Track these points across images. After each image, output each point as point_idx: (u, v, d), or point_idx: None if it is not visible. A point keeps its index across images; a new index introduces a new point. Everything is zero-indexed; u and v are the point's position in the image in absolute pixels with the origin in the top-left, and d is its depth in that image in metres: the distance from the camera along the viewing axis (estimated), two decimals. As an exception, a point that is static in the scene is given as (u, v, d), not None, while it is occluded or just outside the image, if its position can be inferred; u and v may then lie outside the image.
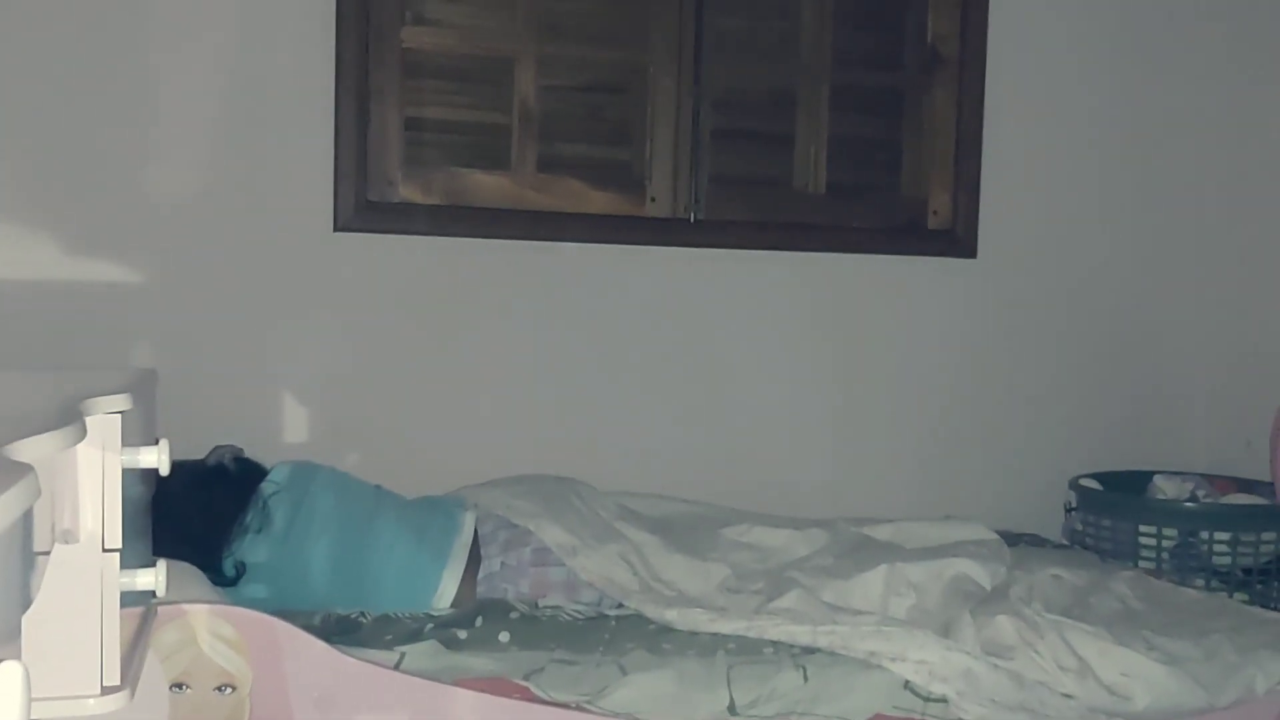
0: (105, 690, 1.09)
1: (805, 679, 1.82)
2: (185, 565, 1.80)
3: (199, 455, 2.19)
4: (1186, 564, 2.61)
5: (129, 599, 1.17)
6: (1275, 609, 2.40)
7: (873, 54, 2.99)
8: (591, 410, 2.74)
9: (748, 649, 1.87)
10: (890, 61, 3.00)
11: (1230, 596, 2.52)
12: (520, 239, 2.67)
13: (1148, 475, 2.90)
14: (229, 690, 1.64)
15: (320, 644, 1.71)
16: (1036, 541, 2.71)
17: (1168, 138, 3.08)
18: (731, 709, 1.78)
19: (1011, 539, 2.53)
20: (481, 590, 2.12)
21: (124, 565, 1.12)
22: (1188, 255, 3.11)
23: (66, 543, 1.05)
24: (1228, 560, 2.59)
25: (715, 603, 2.11)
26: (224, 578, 2.00)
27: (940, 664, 1.84)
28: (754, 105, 2.89)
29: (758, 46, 2.88)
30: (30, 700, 0.60)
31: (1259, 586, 2.61)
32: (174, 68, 2.48)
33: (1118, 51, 3.04)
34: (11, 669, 0.58)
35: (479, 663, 1.81)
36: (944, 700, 1.81)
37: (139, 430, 1.20)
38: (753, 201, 2.86)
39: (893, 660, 1.84)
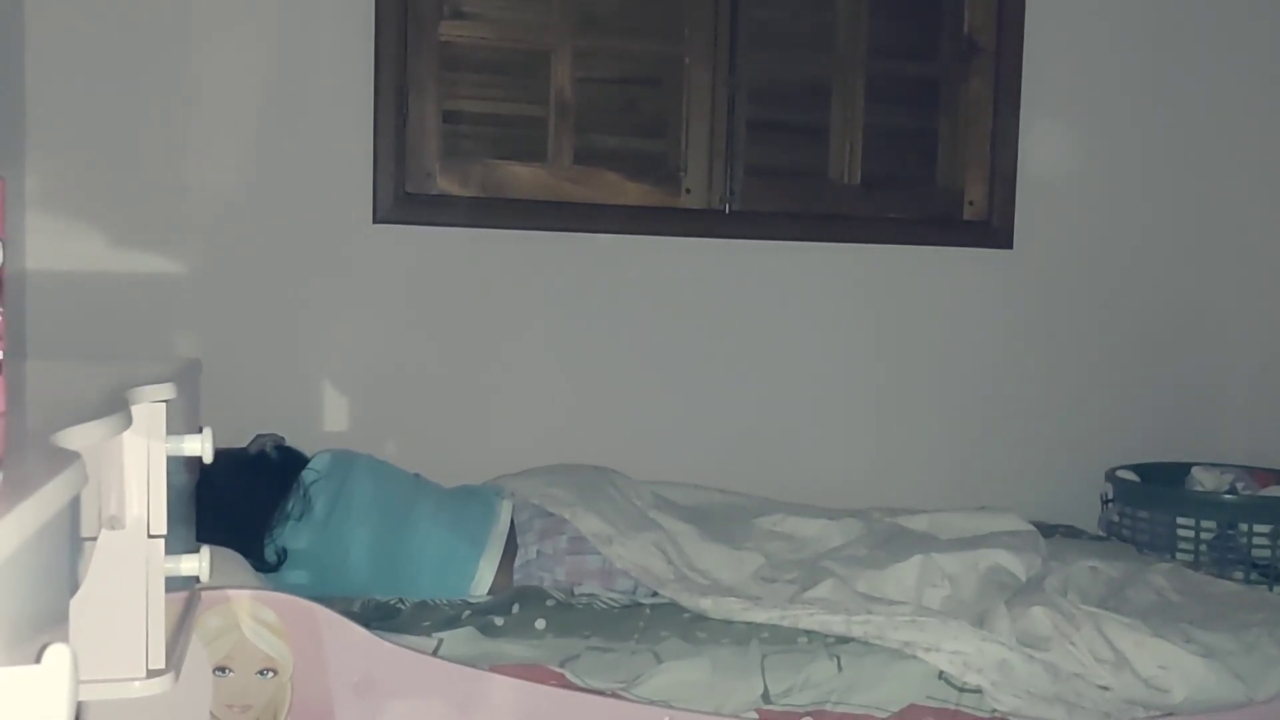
0: (150, 673, 1.11)
1: (839, 668, 1.82)
2: (228, 551, 1.83)
3: (241, 443, 2.22)
4: (1225, 557, 2.58)
5: (173, 584, 1.19)
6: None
7: (908, 44, 2.98)
8: (627, 400, 2.75)
9: (782, 638, 1.88)
10: (926, 52, 2.98)
11: (1270, 590, 2.50)
12: (556, 230, 2.69)
13: (1186, 467, 2.88)
14: (270, 674, 1.67)
15: (360, 630, 1.73)
16: (1072, 533, 2.69)
17: (1205, 127, 3.05)
18: (765, 697, 1.79)
19: (1047, 530, 2.51)
20: (518, 578, 2.14)
21: (169, 551, 1.14)
22: (1225, 245, 3.08)
23: (113, 529, 1.07)
24: (1267, 553, 2.56)
25: (749, 592, 2.12)
26: (266, 564, 2.03)
27: (975, 655, 1.83)
28: (789, 96, 2.89)
29: (793, 38, 2.87)
30: (78, 683, 0.62)
31: (1299, 580, 2.59)
32: (215, 62, 2.51)
33: (1155, 41, 3.01)
34: (60, 652, 0.59)
35: (515, 649, 1.83)
36: (978, 691, 1.81)
37: (183, 419, 1.22)
38: (788, 192, 2.86)
39: (927, 650, 1.84)
